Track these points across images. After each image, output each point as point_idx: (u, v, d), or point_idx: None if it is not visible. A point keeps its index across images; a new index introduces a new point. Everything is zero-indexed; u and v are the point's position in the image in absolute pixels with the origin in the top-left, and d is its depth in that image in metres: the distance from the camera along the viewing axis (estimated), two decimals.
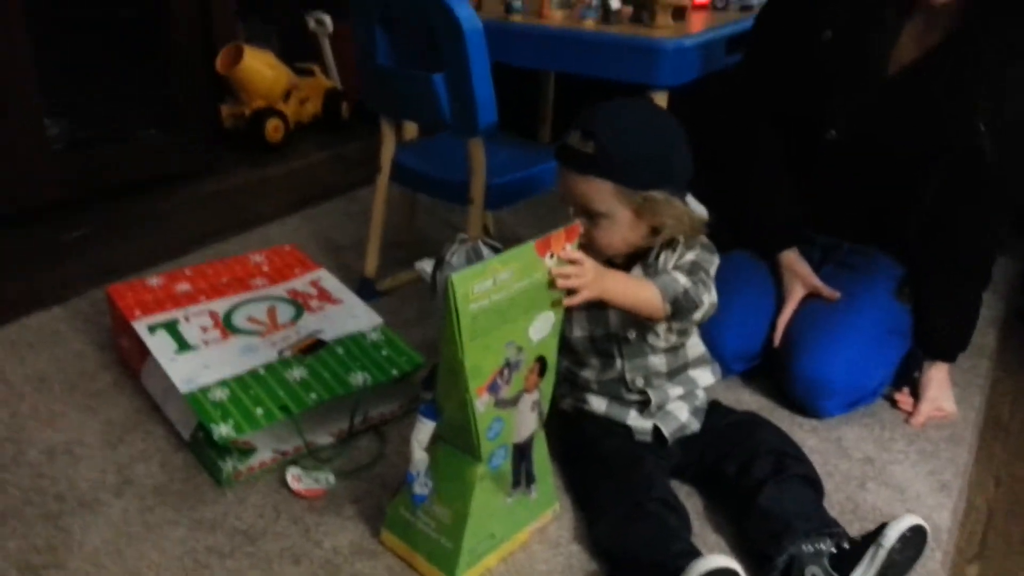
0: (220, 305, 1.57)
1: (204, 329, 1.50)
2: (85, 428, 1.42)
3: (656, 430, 1.30)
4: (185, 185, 2.56)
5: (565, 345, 1.32)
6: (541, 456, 1.21)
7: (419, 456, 1.14)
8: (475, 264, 1.03)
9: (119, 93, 2.53)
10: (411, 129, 2.08)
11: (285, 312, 1.58)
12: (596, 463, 1.27)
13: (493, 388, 1.06)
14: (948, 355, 1.59)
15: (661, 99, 1.76)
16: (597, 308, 1.27)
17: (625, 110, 1.21)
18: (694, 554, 1.08)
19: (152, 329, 1.48)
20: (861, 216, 1.65)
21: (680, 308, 1.18)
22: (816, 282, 1.61)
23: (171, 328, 1.49)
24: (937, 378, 1.57)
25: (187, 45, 2.56)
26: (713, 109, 1.77)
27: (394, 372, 1.46)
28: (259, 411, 1.32)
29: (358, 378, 1.43)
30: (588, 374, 1.33)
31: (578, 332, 1.30)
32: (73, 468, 1.33)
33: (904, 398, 1.59)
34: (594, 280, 1.10)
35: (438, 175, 1.83)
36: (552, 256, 1.07)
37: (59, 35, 2.35)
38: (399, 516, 1.18)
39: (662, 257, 1.24)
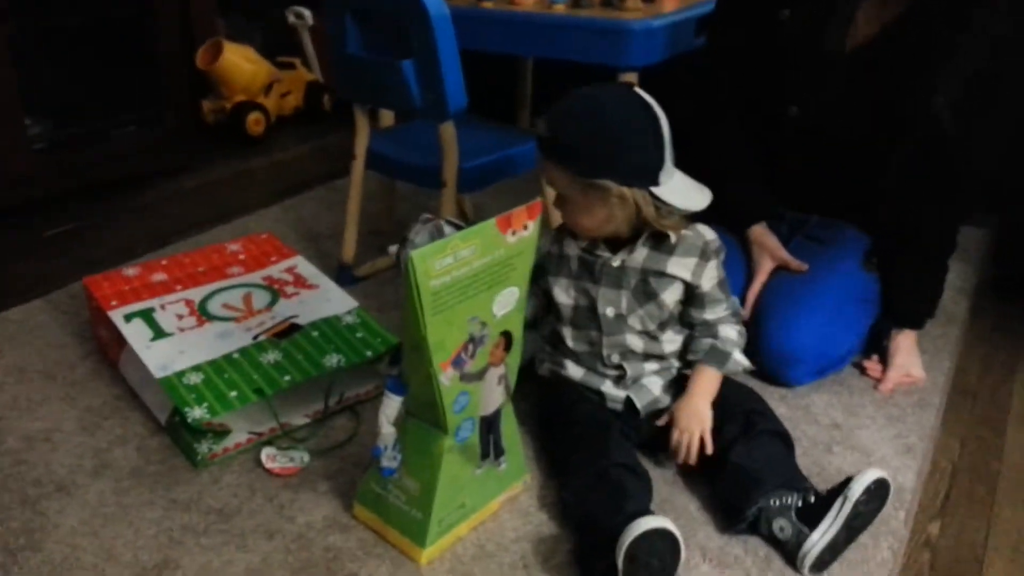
0: (196, 293, 1.59)
1: (179, 316, 1.52)
2: (63, 416, 1.44)
3: (628, 401, 1.32)
4: (166, 180, 2.58)
5: (550, 308, 1.36)
6: (510, 429, 1.23)
7: (387, 431, 1.16)
8: (437, 241, 1.05)
9: (100, 91, 2.54)
10: (387, 117, 2.10)
11: (261, 298, 1.60)
12: (568, 429, 1.29)
13: (457, 363, 1.09)
14: (916, 322, 1.61)
15: (631, 80, 1.78)
16: (584, 281, 1.31)
17: (587, 96, 1.21)
18: (646, 514, 1.10)
19: (128, 318, 1.50)
20: (827, 191, 1.67)
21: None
22: (784, 255, 1.63)
23: (146, 316, 1.51)
24: (905, 345, 1.60)
25: (167, 42, 2.58)
26: (682, 89, 1.79)
27: (368, 354, 1.48)
28: (233, 394, 1.34)
29: (332, 360, 1.45)
30: (569, 340, 1.35)
31: (563, 299, 1.33)
32: (51, 454, 1.35)
33: (873, 365, 1.61)
34: (698, 426, 1.25)
35: (412, 161, 1.85)
36: (514, 233, 1.09)
37: (39, 34, 2.36)
38: (370, 490, 1.21)
39: (676, 261, 1.26)
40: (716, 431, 1.27)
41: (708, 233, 1.29)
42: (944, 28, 1.44)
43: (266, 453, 1.33)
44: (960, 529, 1.27)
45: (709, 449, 1.25)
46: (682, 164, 1.27)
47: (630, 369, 1.33)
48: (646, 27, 1.74)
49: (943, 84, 1.46)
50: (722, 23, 1.71)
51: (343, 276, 1.95)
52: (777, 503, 1.15)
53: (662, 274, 1.28)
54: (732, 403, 1.29)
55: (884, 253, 1.62)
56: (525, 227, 1.10)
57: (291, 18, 3.16)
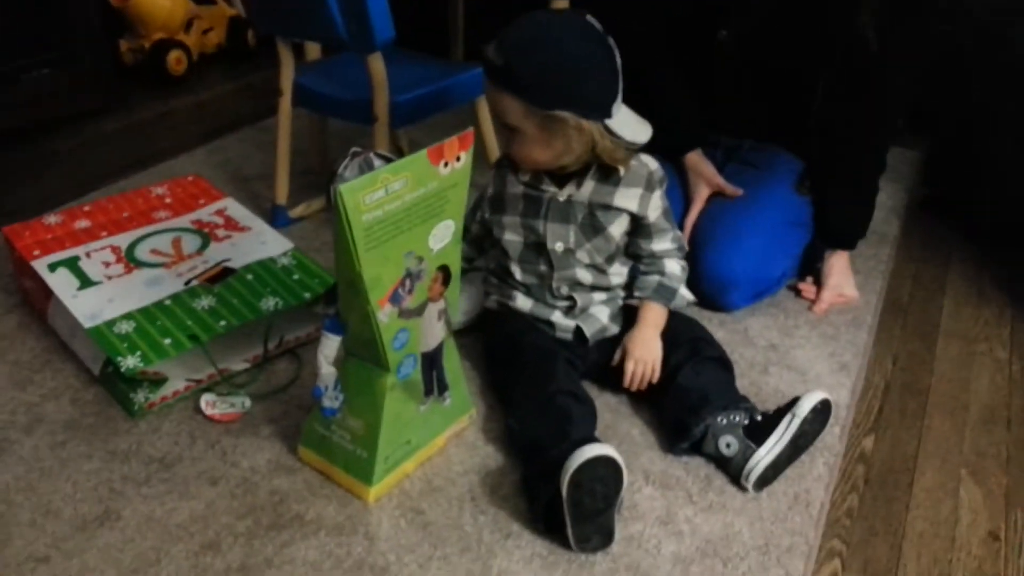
0: (122, 240, 1.54)
1: (106, 264, 1.47)
2: None
3: (578, 330, 1.33)
4: (85, 124, 2.47)
5: (497, 244, 1.34)
6: (453, 363, 1.23)
7: (326, 371, 1.14)
8: (367, 174, 1.02)
9: (7, 32, 2.40)
10: (313, 50, 2.03)
11: (191, 243, 1.56)
12: (515, 358, 1.30)
13: (395, 299, 1.07)
14: (848, 243, 1.64)
15: (562, 4, 1.75)
16: (531, 218, 1.29)
17: (543, 23, 1.17)
18: (590, 442, 1.11)
19: (52, 267, 1.44)
20: (759, 115, 1.68)
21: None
22: (720, 181, 1.64)
23: (71, 265, 1.45)
24: (838, 266, 1.63)
25: None
26: (613, 14, 1.76)
27: (306, 295, 1.45)
28: (167, 341, 1.30)
29: (269, 303, 1.42)
30: (517, 274, 1.35)
31: (510, 236, 1.32)
32: None
33: (807, 287, 1.64)
34: (650, 356, 1.27)
35: (342, 95, 1.80)
36: (446, 164, 1.07)
37: None
38: (314, 431, 1.20)
39: (622, 193, 1.25)
40: (664, 359, 1.28)
41: (652, 163, 1.29)
42: None
43: (205, 400, 1.31)
44: (893, 442, 1.32)
45: (656, 378, 1.27)
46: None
47: (580, 299, 1.33)
48: None
49: (865, 2, 1.46)
50: None
51: (277, 217, 1.90)
52: (724, 420, 1.18)
53: (609, 207, 1.27)
54: (678, 332, 1.31)
55: (816, 176, 1.64)
56: (458, 158, 1.08)
57: None
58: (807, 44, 1.55)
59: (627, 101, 1.24)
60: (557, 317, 1.34)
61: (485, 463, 1.22)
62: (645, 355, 1.28)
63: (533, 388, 1.22)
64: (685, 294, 1.35)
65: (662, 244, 1.33)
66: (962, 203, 2.02)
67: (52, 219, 1.58)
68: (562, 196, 1.27)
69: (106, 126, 2.48)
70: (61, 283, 1.41)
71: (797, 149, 1.68)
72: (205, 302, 1.40)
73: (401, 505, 1.14)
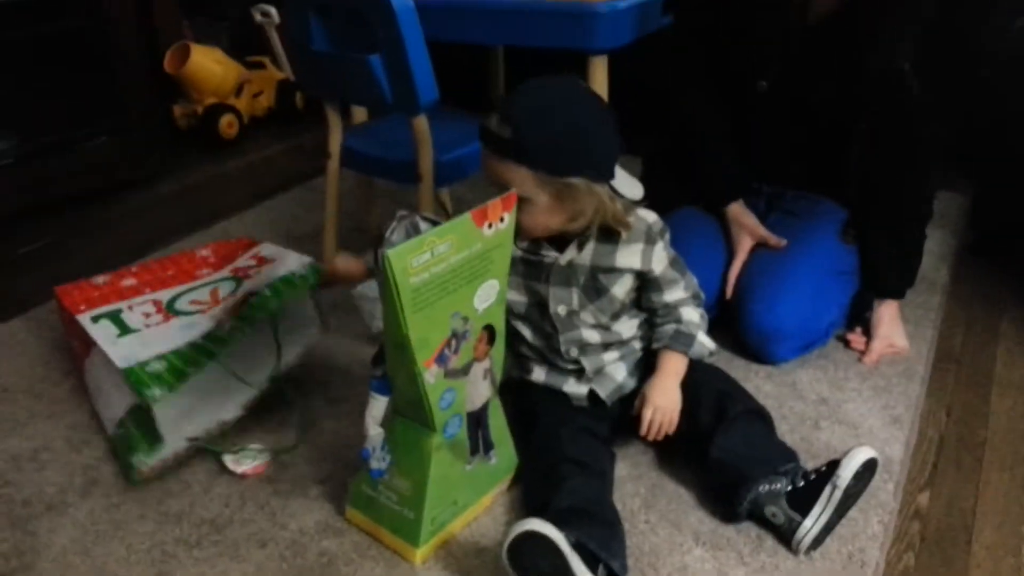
0: (164, 294, 1.56)
1: (147, 315, 1.49)
2: (50, 434, 1.43)
3: (592, 394, 1.32)
4: (141, 188, 2.55)
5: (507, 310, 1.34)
6: (498, 422, 1.23)
7: (374, 432, 1.16)
8: (413, 238, 1.04)
9: (66, 102, 2.50)
10: (359, 113, 2.08)
11: (226, 288, 1.58)
12: (529, 430, 1.29)
13: (441, 359, 1.08)
14: (896, 292, 1.62)
15: (601, 63, 1.77)
16: (533, 281, 1.28)
17: (545, 92, 1.16)
18: (575, 511, 1.11)
19: (95, 319, 1.46)
20: (801, 163, 1.68)
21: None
22: (763, 232, 1.63)
23: (113, 317, 1.48)
24: (888, 315, 1.61)
25: (131, 49, 2.54)
26: (653, 69, 1.79)
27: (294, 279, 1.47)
28: (190, 369, 1.33)
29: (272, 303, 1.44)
30: (527, 338, 1.33)
31: (515, 296, 1.29)
32: (39, 473, 1.34)
33: (856, 338, 1.62)
34: (669, 405, 1.26)
35: (387, 156, 1.84)
36: (490, 226, 1.08)
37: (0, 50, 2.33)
38: (361, 492, 1.21)
39: (623, 252, 1.24)
40: (690, 417, 1.27)
41: (650, 216, 1.27)
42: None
43: (228, 460, 1.32)
44: (949, 498, 1.28)
45: (673, 429, 1.26)
46: (657, 145, 1.27)
47: (588, 364, 1.31)
48: (612, 9, 1.73)
49: (900, 47, 1.46)
50: (687, 3, 1.71)
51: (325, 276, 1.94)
52: (767, 489, 1.16)
53: (611, 269, 1.25)
54: (701, 387, 1.29)
55: (860, 224, 1.63)
56: (501, 219, 1.09)
57: (257, 16, 3.12)
58: (846, 92, 1.55)
59: (669, 154, 1.26)
60: (570, 386, 1.33)
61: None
62: (664, 403, 1.26)
63: (536, 458, 1.23)
64: (705, 342, 1.32)
65: (674, 294, 1.31)
66: (1012, 246, 1.98)
67: (100, 279, 1.63)
68: (563, 260, 1.24)
69: (161, 189, 2.56)
70: (102, 332, 1.43)
71: (840, 197, 1.68)
72: (228, 326, 1.42)
73: (448, 567, 1.14)
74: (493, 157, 1.15)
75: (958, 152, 1.61)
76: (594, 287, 1.27)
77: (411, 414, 1.13)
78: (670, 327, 1.31)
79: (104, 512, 1.25)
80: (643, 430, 1.26)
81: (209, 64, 2.82)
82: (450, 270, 1.04)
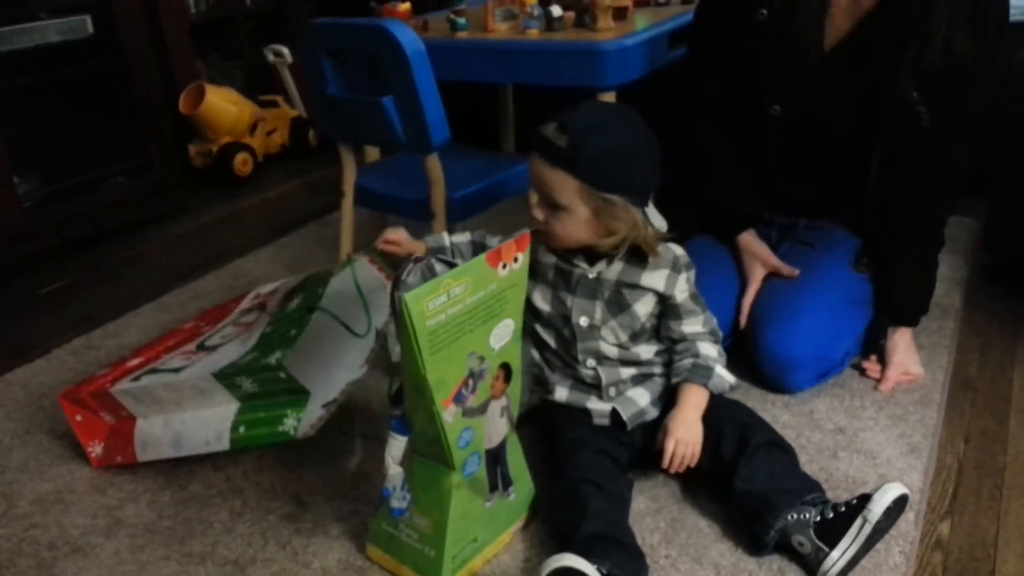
0: (186, 347, 1.57)
1: (186, 356, 1.50)
2: (74, 476, 1.45)
3: (614, 413, 1.33)
4: (158, 227, 2.60)
5: (529, 328, 1.37)
6: (516, 458, 1.24)
7: (394, 471, 1.17)
8: (428, 281, 1.06)
9: (85, 144, 2.56)
10: (372, 151, 2.12)
11: (251, 317, 1.60)
12: (549, 451, 1.31)
13: (459, 399, 1.09)
14: (910, 319, 1.62)
15: (609, 99, 1.80)
16: (560, 290, 1.32)
17: (604, 111, 1.26)
18: (604, 538, 1.12)
19: (136, 378, 1.45)
20: (813, 192, 1.69)
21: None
22: (775, 262, 1.64)
23: (153, 371, 1.47)
24: (902, 343, 1.61)
25: (148, 90, 2.60)
26: (663, 101, 1.81)
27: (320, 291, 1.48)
28: (294, 331, 1.37)
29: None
30: (551, 345, 1.37)
31: (541, 304, 1.35)
32: (64, 515, 1.35)
33: (872, 366, 1.62)
34: (692, 437, 1.26)
35: (400, 194, 1.87)
36: (504, 266, 1.10)
37: (21, 94, 2.38)
38: (382, 530, 1.22)
39: (649, 274, 1.29)
40: (713, 451, 1.27)
41: (677, 249, 1.33)
42: (916, 20, 1.45)
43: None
44: (970, 527, 1.28)
45: (695, 462, 1.27)
46: (671, 175, 1.30)
47: (605, 375, 1.34)
48: (619, 47, 1.76)
49: (913, 74, 1.47)
50: (703, 29, 1.73)
51: None
52: (795, 518, 1.16)
53: (636, 286, 1.31)
54: (722, 419, 1.29)
55: (874, 252, 1.63)
56: (515, 259, 1.11)
57: (270, 56, 3.18)
58: (859, 117, 1.56)
59: (680, 184, 1.29)
60: (593, 403, 1.35)
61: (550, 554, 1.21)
62: (686, 436, 1.26)
63: (558, 478, 1.24)
64: (725, 375, 1.33)
65: (692, 327, 1.34)
66: None
67: (103, 371, 1.59)
68: (591, 274, 1.31)
69: (178, 228, 2.60)
70: (157, 379, 1.42)
71: (853, 225, 1.68)
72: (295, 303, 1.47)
73: None
74: (543, 163, 1.22)
75: (972, 176, 1.60)
76: (618, 302, 1.31)
77: (430, 453, 1.14)
78: (688, 361, 1.32)
79: (129, 553, 1.26)
80: (665, 462, 1.27)
81: (223, 104, 2.87)
82: (466, 311, 1.06)
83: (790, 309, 1.56)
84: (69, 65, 2.45)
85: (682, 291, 1.33)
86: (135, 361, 1.57)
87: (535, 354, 1.40)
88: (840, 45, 1.56)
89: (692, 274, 1.34)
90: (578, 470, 1.22)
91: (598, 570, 1.03)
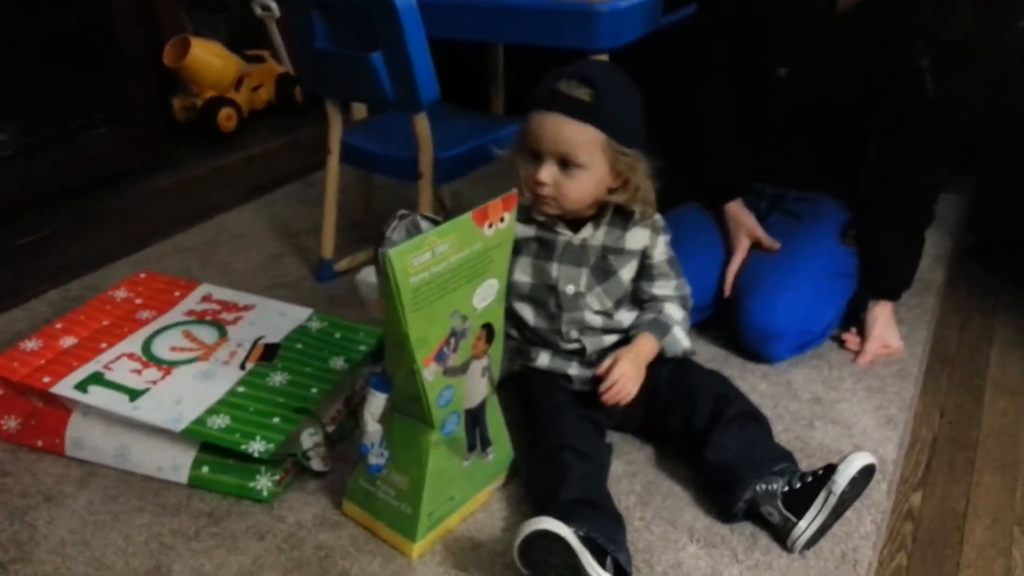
0: (128, 345, 1.47)
1: (136, 372, 1.40)
2: None
3: (596, 380, 1.33)
4: (140, 180, 2.55)
5: (509, 295, 1.35)
6: (495, 419, 1.24)
7: (372, 428, 1.16)
8: (414, 237, 1.04)
9: (65, 94, 2.51)
10: (360, 110, 2.09)
11: (205, 332, 1.52)
12: (528, 417, 1.31)
13: (440, 357, 1.09)
14: (892, 293, 1.63)
15: (603, 57, 1.78)
16: (543, 260, 1.31)
17: (607, 68, 1.27)
18: (584, 502, 1.12)
19: (81, 387, 1.35)
20: (809, 161, 1.68)
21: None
22: (760, 233, 1.64)
23: (99, 380, 1.37)
24: (882, 316, 1.62)
25: (131, 41, 2.54)
26: (657, 65, 1.79)
27: (362, 348, 1.48)
28: (275, 420, 1.29)
29: (339, 363, 1.45)
30: (528, 317, 1.35)
31: (521, 277, 1.34)
32: (37, 464, 1.34)
33: (851, 338, 1.63)
34: (634, 379, 1.27)
35: (387, 153, 1.84)
36: (491, 225, 1.09)
37: (1, 42, 2.33)
38: (359, 487, 1.21)
39: (632, 234, 1.30)
40: (686, 419, 1.28)
41: (655, 213, 1.34)
42: None
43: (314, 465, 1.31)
44: (941, 499, 1.29)
45: (628, 399, 1.28)
46: (661, 140, 1.30)
47: (589, 344, 1.34)
48: (613, 8, 1.73)
49: (925, 46, 1.47)
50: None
51: (323, 271, 1.95)
52: (763, 489, 1.16)
53: (621, 251, 1.31)
54: (699, 390, 1.30)
55: (862, 225, 1.64)
56: (502, 219, 1.10)
57: (258, 10, 3.12)
58: (866, 84, 1.56)
59: (676, 145, 1.29)
60: (574, 369, 1.35)
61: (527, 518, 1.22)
62: (630, 371, 1.27)
63: (538, 444, 1.24)
64: (681, 338, 1.34)
65: (663, 289, 1.36)
66: (1009, 250, 2.00)
67: (31, 344, 1.45)
68: (576, 240, 1.30)
69: (160, 182, 2.56)
70: (109, 400, 1.32)
71: (844, 197, 1.68)
72: (279, 378, 1.40)
73: (445, 562, 1.15)
74: (562, 119, 1.20)
75: (960, 154, 1.60)
76: (603, 268, 1.31)
77: (410, 411, 1.14)
78: (650, 316, 1.35)
79: (102, 504, 1.26)
80: (604, 386, 1.27)
81: (209, 57, 2.82)
82: (450, 269, 1.05)
83: (774, 280, 1.56)
84: (52, 13, 2.40)
85: (660, 253, 1.34)
86: (67, 341, 1.47)
87: (513, 332, 1.39)
88: (852, 9, 1.55)
89: (668, 238, 1.35)
90: (559, 435, 1.22)
91: (575, 533, 1.03)
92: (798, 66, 1.60)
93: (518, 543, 1.03)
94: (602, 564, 1.04)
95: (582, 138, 1.20)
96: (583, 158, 1.21)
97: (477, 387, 1.18)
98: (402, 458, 1.16)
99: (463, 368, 1.14)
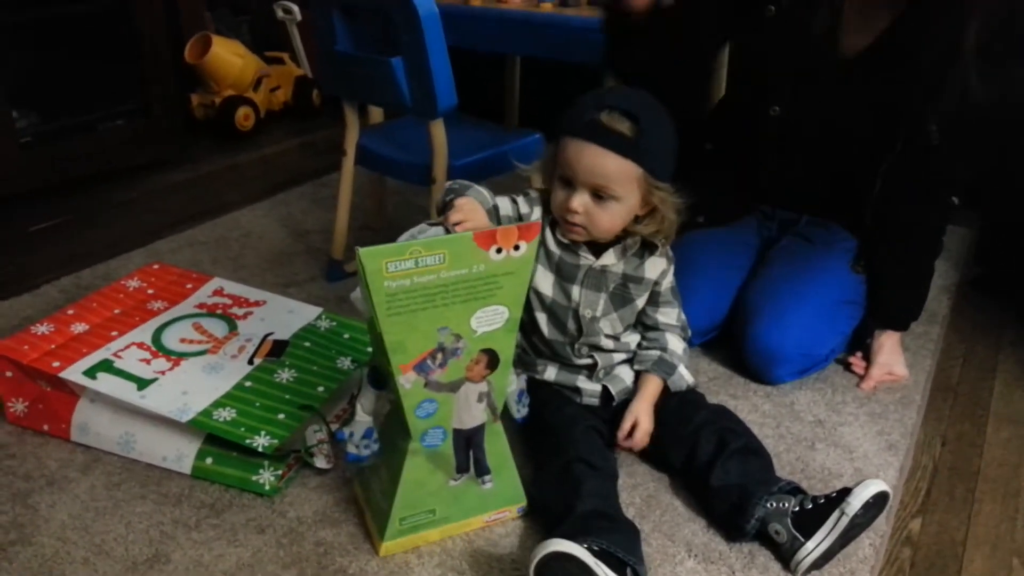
0: (139, 335, 1.48)
1: (145, 361, 1.40)
2: None
3: (604, 391, 1.34)
4: (155, 174, 2.58)
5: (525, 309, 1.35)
6: (498, 450, 1.19)
7: (360, 418, 1.15)
8: (394, 243, 1.02)
9: (88, 85, 2.53)
10: (376, 113, 2.11)
11: (215, 326, 1.53)
12: (538, 429, 1.29)
13: (422, 368, 1.07)
14: (900, 324, 1.63)
15: (611, 83, 1.79)
16: (566, 281, 1.31)
17: (643, 97, 1.22)
18: (600, 515, 1.12)
19: (90, 374, 1.35)
20: (813, 191, 1.68)
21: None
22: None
23: (108, 368, 1.37)
24: (888, 344, 1.62)
25: (154, 36, 2.57)
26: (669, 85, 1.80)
27: (370, 350, 1.48)
28: (280, 416, 1.30)
29: (346, 363, 1.46)
30: (544, 328, 1.34)
31: (544, 288, 1.32)
32: (41, 448, 1.35)
33: (858, 361, 1.63)
34: (649, 428, 1.30)
35: (402, 158, 1.86)
36: (500, 251, 1.05)
37: (26, 29, 2.35)
38: (363, 471, 1.24)
39: (651, 263, 1.32)
40: (687, 454, 1.28)
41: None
42: (935, 44, 1.44)
43: (317, 463, 1.31)
44: (941, 526, 1.29)
45: (642, 446, 1.32)
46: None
47: (601, 360, 1.34)
48: None
49: (936, 102, 1.46)
50: (707, 21, 1.71)
51: (332, 272, 1.96)
52: (774, 506, 1.16)
53: (640, 279, 1.32)
54: (703, 426, 1.29)
55: (871, 256, 1.63)
56: (516, 247, 1.05)
57: (279, 13, 3.16)
58: (867, 128, 1.55)
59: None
60: (583, 382, 1.36)
61: (530, 526, 1.22)
62: (645, 424, 1.30)
63: (550, 456, 1.24)
64: (685, 375, 1.36)
65: (667, 317, 1.37)
66: (1014, 283, 2.00)
67: (42, 328, 1.46)
68: (597, 265, 1.29)
69: (175, 177, 2.59)
70: (116, 388, 1.33)
71: (852, 224, 1.68)
72: (286, 374, 1.41)
73: (443, 564, 1.15)
74: (601, 151, 1.18)
75: (968, 188, 1.61)
76: (621, 295, 1.32)
77: (396, 414, 1.13)
78: (655, 353, 1.35)
79: (104, 490, 1.27)
80: (624, 437, 1.31)
81: (229, 56, 2.85)
82: (440, 283, 1.02)
83: (780, 304, 1.56)
84: (76, 2, 2.42)
85: (668, 281, 1.35)
86: (79, 327, 1.48)
87: (518, 336, 1.39)
88: (858, 57, 1.54)
89: (674, 267, 1.36)
90: (571, 449, 1.22)
91: (589, 549, 1.03)
92: (792, 108, 1.59)
93: (533, 567, 1.02)
94: (621, 574, 1.04)
95: (620, 172, 1.19)
96: (619, 191, 1.20)
97: (471, 411, 1.14)
98: (389, 456, 1.16)
99: (452, 387, 1.11)
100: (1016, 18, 1.49)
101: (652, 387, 1.33)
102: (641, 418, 1.31)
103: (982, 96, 1.42)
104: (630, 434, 1.31)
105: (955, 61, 1.42)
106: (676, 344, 1.36)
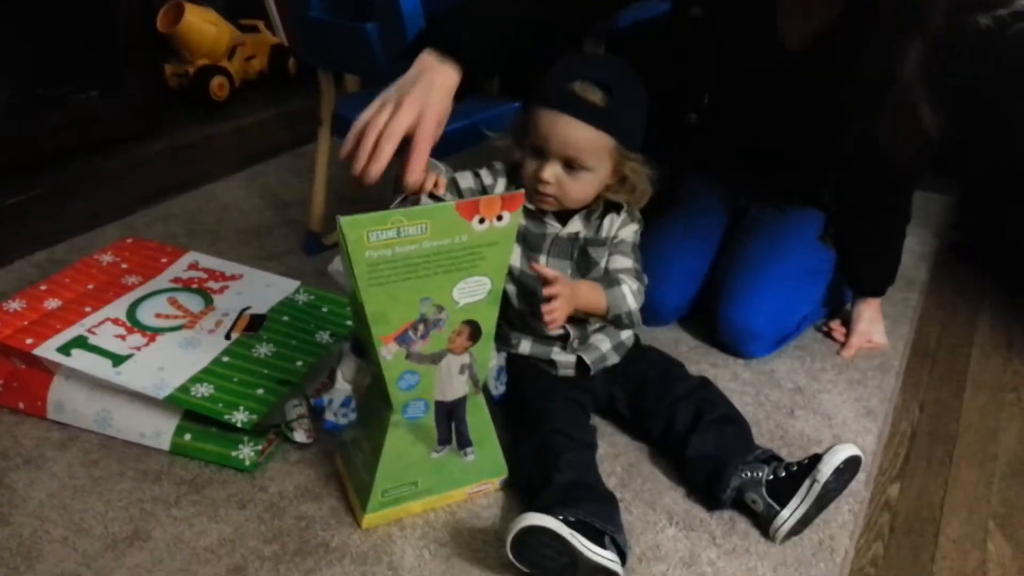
0: (113, 310, 1.45)
1: (120, 337, 1.38)
2: None
3: (580, 361, 1.34)
4: (129, 146, 2.53)
5: None
6: (480, 422, 1.19)
7: (339, 386, 1.15)
8: (376, 212, 1.00)
9: (58, 56, 2.48)
10: (352, 82, 2.08)
11: (191, 300, 1.51)
12: (518, 402, 1.29)
13: (403, 340, 1.06)
14: (877, 291, 1.64)
15: (598, 46, 1.77)
16: (533, 251, 1.30)
17: (618, 66, 1.21)
18: (577, 485, 1.12)
19: (64, 350, 1.33)
20: (765, 180, 1.67)
21: (618, 322, 1.29)
22: None
23: (83, 344, 1.35)
24: (868, 312, 1.62)
25: (125, 5, 2.51)
26: (647, 51, 1.78)
27: (349, 323, 1.48)
28: (259, 391, 1.29)
29: (325, 336, 1.45)
30: (513, 303, 1.32)
31: (513, 260, 1.29)
32: (18, 427, 1.34)
33: (838, 327, 1.64)
34: (569, 301, 1.18)
35: None
36: (483, 221, 1.04)
37: None
38: (344, 443, 1.24)
39: (608, 221, 1.28)
40: (664, 426, 1.28)
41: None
42: (872, 67, 1.35)
43: (297, 437, 1.30)
44: (919, 491, 1.31)
45: (562, 321, 1.21)
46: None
47: (573, 331, 1.33)
48: None
49: (874, 90, 1.36)
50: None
51: (310, 244, 1.94)
52: (748, 475, 1.17)
53: (601, 241, 1.29)
54: (682, 394, 1.30)
55: (839, 232, 1.62)
56: (499, 217, 1.04)
57: None
58: (810, 125, 1.47)
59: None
60: (557, 354, 1.34)
61: (512, 497, 1.23)
62: (568, 293, 1.18)
63: (528, 429, 1.23)
64: (629, 299, 1.26)
65: (617, 263, 1.29)
66: (992, 249, 2.01)
67: (15, 305, 1.44)
68: (564, 233, 1.28)
69: (150, 148, 2.54)
70: (91, 364, 1.31)
71: (813, 204, 1.65)
72: (264, 349, 1.39)
73: (425, 536, 1.15)
74: (573, 122, 1.16)
75: (945, 154, 1.59)
76: (585, 260, 1.30)
77: (378, 386, 1.13)
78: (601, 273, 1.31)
79: (82, 468, 1.25)
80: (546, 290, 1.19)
81: (202, 25, 2.79)
82: (422, 254, 1.01)
83: (749, 282, 1.56)
84: None
85: (626, 233, 1.30)
86: (52, 303, 1.46)
87: None
88: (801, 51, 1.46)
89: (639, 229, 1.32)
90: (548, 421, 1.22)
91: (564, 520, 1.03)
92: (706, 116, 1.57)
93: (509, 544, 1.03)
94: (601, 545, 1.05)
95: (593, 143, 1.18)
96: (591, 162, 1.19)
97: (452, 382, 1.14)
98: (371, 426, 1.16)
99: (433, 358, 1.10)
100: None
101: (586, 283, 1.26)
102: (562, 279, 1.18)
103: (929, 125, 1.33)
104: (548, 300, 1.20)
105: (893, 84, 1.33)
106: (629, 279, 1.28)
